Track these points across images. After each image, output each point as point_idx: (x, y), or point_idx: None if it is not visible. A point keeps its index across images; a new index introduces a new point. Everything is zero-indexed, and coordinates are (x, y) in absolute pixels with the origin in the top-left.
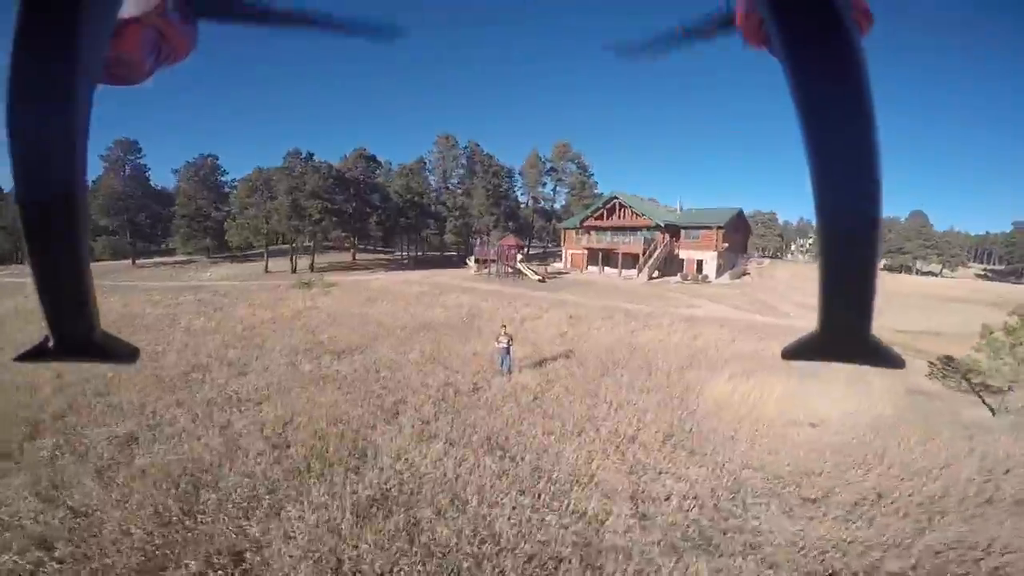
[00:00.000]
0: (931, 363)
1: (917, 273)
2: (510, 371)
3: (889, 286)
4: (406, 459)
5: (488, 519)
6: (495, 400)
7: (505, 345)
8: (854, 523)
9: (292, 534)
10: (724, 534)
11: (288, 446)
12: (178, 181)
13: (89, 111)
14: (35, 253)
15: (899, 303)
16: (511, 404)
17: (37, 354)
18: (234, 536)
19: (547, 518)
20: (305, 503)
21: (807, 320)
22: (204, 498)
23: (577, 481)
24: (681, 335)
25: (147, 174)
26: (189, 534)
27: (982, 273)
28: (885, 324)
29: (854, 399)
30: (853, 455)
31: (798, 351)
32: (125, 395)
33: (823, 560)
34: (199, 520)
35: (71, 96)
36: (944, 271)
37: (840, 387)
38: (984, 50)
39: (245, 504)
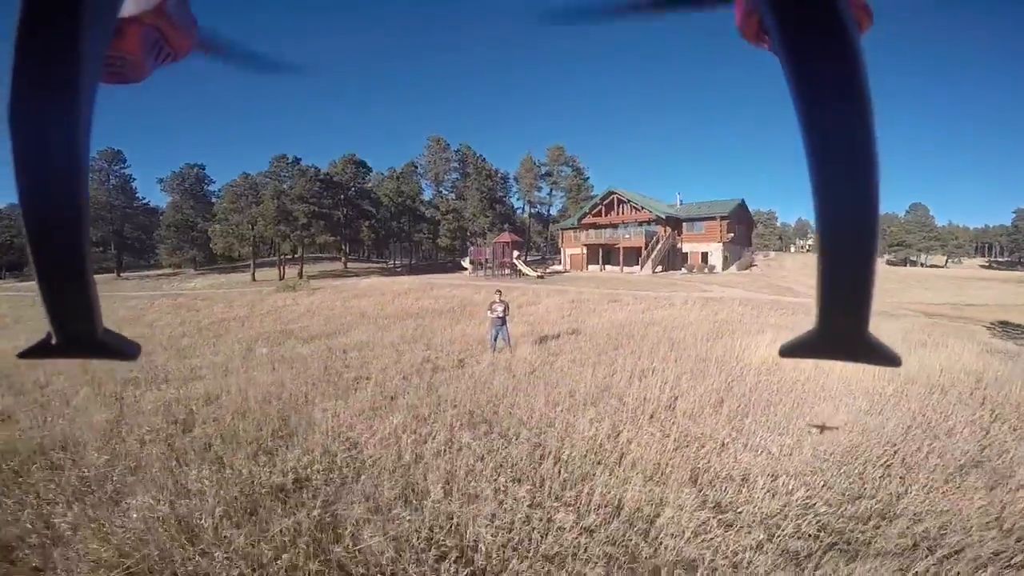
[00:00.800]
0: (990, 327)
1: (922, 267)
2: (509, 344)
3: (909, 272)
4: (347, 439)
5: (456, 520)
6: (483, 373)
7: (500, 314)
8: None
9: (116, 529)
10: (865, 523)
11: (193, 425)
12: (162, 190)
13: (91, 110)
14: (37, 251)
15: (926, 284)
16: (504, 376)
17: (39, 351)
18: (26, 526)
19: (557, 516)
20: (168, 492)
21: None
22: (15, 481)
23: (600, 461)
24: (700, 311)
25: (132, 184)
26: None
27: (986, 264)
28: (921, 299)
29: (928, 355)
30: (981, 406)
31: (795, 349)
32: (32, 375)
33: None
34: None
35: (73, 95)
36: (949, 263)
37: (907, 347)
38: (978, 43)
39: (73, 489)
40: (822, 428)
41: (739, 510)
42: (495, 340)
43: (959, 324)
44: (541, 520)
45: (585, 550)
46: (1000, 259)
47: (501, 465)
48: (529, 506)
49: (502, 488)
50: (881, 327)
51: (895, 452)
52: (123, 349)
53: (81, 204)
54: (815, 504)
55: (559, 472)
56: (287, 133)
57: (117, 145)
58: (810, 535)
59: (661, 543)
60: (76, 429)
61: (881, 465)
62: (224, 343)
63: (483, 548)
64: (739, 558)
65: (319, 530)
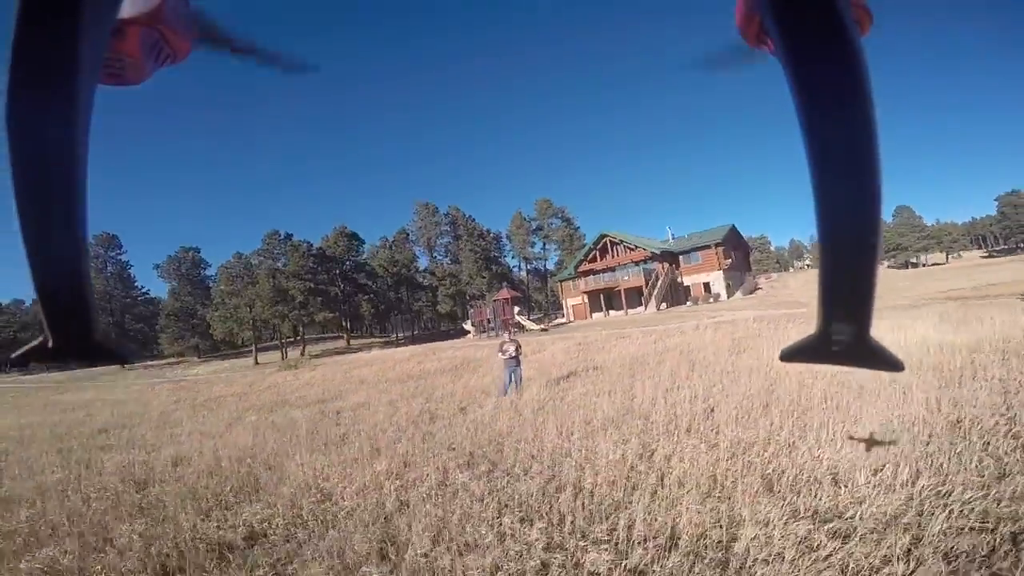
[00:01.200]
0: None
1: (924, 266)
2: (518, 387)
3: (914, 271)
4: (320, 489)
5: (443, 574)
6: (486, 416)
7: (512, 354)
8: None
9: None
10: None
11: (150, 483)
12: (159, 276)
13: (90, 112)
14: (34, 254)
15: (937, 277)
16: (509, 415)
17: (35, 355)
18: None
19: (587, 558)
20: (84, 547)
21: None
22: None
23: (636, 486)
24: (714, 333)
25: (130, 271)
26: None
27: (986, 255)
28: (938, 288)
29: (979, 328)
30: None
31: (796, 354)
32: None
33: None
34: None
35: (71, 97)
36: (950, 258)
37: (949, 325)
38: (949, 39)
39: None
40: (870, 443)
41: (848, 515)
42: (508, 383)
43: (989, 301)
44: (563, 566)
45: None
46: (998, 247)
47: (506, 505)
48: (546, 549)
49: (508, 531)
50: (912, 314)
51: (1012, 419)
52: (120, 352)
53: (78, 206)
54: (950, 491)
55: (582, 505)
56: (273, 206)
57: (111, 228)
58: (973, 528)
59: (754, 574)
60: (20, 486)
61: (1007, 435)
62: (215, 415)
63: None
64: (890, 573)
65: None
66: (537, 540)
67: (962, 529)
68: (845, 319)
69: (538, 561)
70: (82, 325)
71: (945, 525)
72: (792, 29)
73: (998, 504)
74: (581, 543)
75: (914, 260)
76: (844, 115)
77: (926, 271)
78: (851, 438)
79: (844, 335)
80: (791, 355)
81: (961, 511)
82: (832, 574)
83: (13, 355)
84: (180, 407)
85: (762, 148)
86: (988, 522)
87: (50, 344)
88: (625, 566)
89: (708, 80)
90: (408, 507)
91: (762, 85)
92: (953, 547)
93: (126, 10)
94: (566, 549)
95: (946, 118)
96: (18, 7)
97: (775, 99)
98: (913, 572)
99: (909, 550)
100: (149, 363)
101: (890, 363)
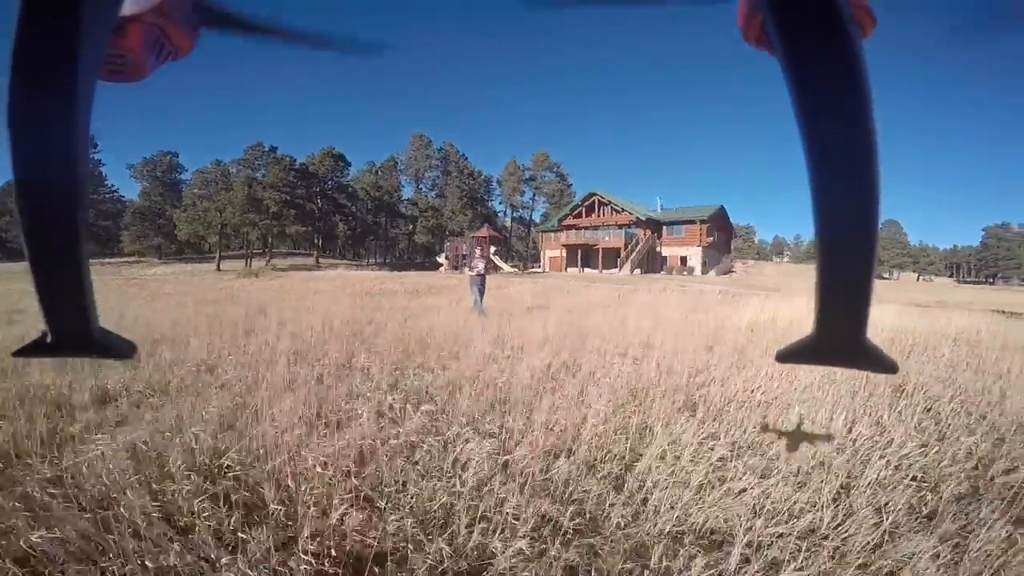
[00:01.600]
0: (984, 312)
1: (894, 280)
2: (481, 309)
3: (886, 282)
4: (201, 361)
5: (274, 447)
6: (425, 327)
7: (481, 271)
8: None
9: None
10: (981, 468)
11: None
12: (132, 176)
13: (90, 108)
14: (34, 248)
15: (907, 288)
16: (451, 327)
17: (35, 349)
18: None
19: (465, 448)
20: None
21: (802, 294)
22: None
23: (553, 390)
24: (679, 297)
25: (101, 171)
26: None
27: (956, 284)
28: (908, 298)
29: (932, 322)
30: None
31: (792, 355)
32: None
33: None
34: None
35: (72, 93)
36: (921, 279)
37: (906, 316)
38: (954, 63)
39: None
40: (792, 439)
41: (772, 453)
42: (475, 297)
43: (954, 311)
44: (430, 451)
45: (500, 505)
46: (968, 278)
47: (400, 390)
48: (419, 432)
49: (386, 412)
50: (879, 310)
51: (957, 388)
52: (118, 348)
53: (78, 203)
54: (888, 443)
55: (485, 399)
56: (269, 126)
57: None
58: (911, 485)
59: (648, 499)
60: None
61: (950, 401)
62: (150, 306)
63: (300, 496)
64: (813, 521)
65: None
66: (416, 424)
67: (899, 482)
68: (841, 320)
69: (403, 441)
70: (81, 321)
71: (881, 475)
72: (793, 31)
73: (939, 464)
74: (464, 431)
75: (886, 275)
76: (844, 118)
77: (896, 283)
78: (765, 429)
79: (840, 336)
80: (787, 356)
81: (899, 464)
82: (742, 512)
83: (14, 351)
84: (122, 299)
85: (765, 143)
86: (928, 480)
87: (48, 339)
88: (502, 463)
89: (721, 75)
90: (291, 384)
91: (768, 84)
92: (888, 501)
93: (128, 7)
94: (443, 435)
95: (944, 146)
96: (20, 6)
97: (779, 101)
98: (840, 524)
99: (836, 497)
100: (106, 260)
101: (885, 365)
